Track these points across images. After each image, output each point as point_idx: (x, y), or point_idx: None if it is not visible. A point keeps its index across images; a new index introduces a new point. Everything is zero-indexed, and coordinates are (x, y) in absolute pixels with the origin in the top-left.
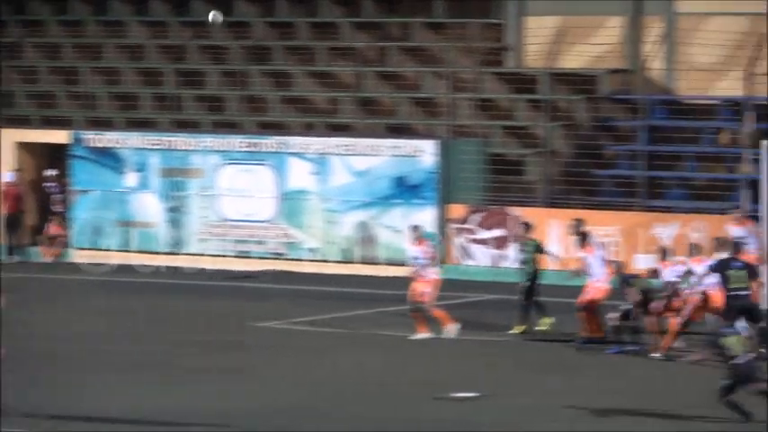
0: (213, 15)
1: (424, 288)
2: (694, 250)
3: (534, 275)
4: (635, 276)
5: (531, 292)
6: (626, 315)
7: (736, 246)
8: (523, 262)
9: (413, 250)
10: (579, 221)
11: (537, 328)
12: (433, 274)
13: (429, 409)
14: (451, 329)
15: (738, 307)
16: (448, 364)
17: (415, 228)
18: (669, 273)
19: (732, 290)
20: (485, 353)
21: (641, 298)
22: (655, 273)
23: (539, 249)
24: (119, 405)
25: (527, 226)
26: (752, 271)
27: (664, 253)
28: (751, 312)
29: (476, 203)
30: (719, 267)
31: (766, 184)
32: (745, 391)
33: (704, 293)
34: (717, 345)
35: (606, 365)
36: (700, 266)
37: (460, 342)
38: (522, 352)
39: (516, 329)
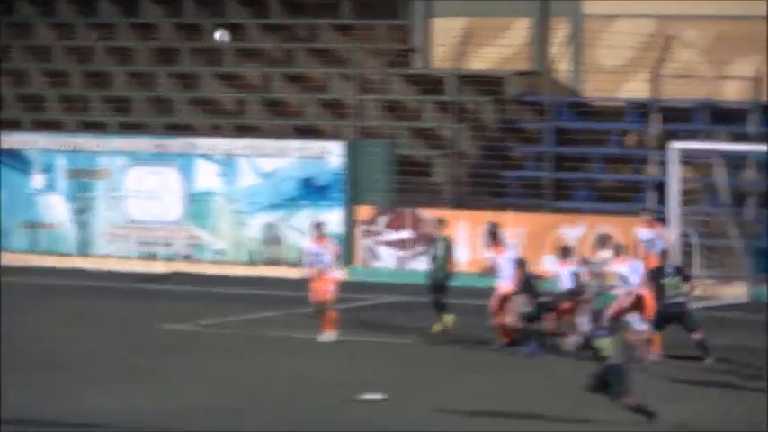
0: (220, 34)
1: (329, 287)
2: (618, 250)
3: (445, 273)
4: (537, 277)
5: (443, 289)
6: (528, 317)
7: (665, 253)
8: (434, 258)
9: (314, 248)
10: (494, 225)
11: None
12: (337, 273)
13: (338, 411)
14: (330, 336)
15: (671, 315)
16: (355, 366)
17: (318, 225)
18: (566, 273)
19: (669, 297)
20: (391, 354)
21: (536, 300)
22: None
23: (449, 247)
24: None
25: (440, 222)
26: (685, 275)
27: (564, 253)
28: (684, 320)
29: (383, 205)
30: (655, 276)
31: (672, 185)
32: (609, 395)
33: (638, 296)
34: (591, 346)
35: (515, 367)
36: (624, 266)
37: (368, 344)
38: (428, 353)
39: (437, 327)
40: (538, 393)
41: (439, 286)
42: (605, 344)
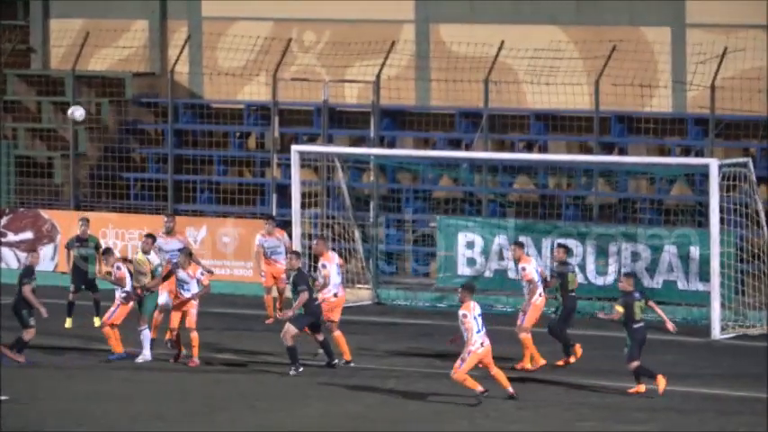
0: (74, 112)
1: None
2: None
3: (94, 272)
4: None
5: (94, 288)
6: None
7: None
8: (84, 258)
9: None
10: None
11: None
12: None
13: None
14: None
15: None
16: None
17: None
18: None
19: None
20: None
21: None
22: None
23: (98, 246)
24: None
25: (86, 221)
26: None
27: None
28: (316, 325)
29: (4, 206)
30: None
31: (294, 188)
32: None
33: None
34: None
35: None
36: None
37: None
38: (46, 355)
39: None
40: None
41: (91, 285)
42: None
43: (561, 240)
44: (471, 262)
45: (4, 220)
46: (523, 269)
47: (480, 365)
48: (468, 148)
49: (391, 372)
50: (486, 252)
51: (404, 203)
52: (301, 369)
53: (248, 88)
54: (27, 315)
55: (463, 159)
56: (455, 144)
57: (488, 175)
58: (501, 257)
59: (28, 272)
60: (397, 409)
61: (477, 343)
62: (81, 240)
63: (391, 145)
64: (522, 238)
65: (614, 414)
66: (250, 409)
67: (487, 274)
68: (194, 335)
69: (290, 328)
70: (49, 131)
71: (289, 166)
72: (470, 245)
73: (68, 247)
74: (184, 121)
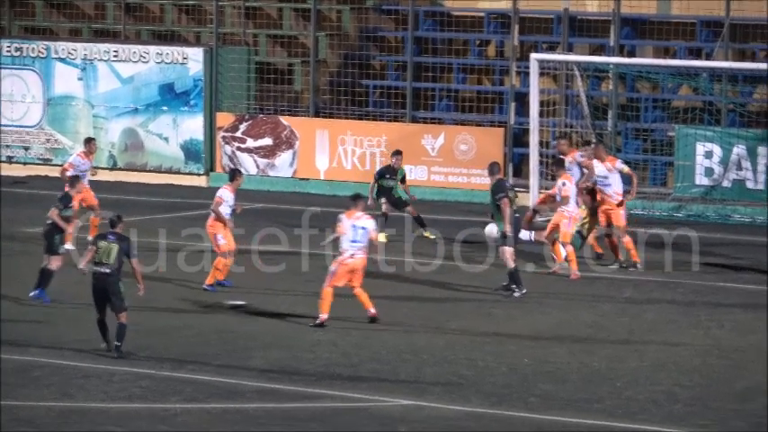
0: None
1: None
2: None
3: (400, 195)
4: None
5: (402, 204)
6: None
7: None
8: (390, 189)
9: None
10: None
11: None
12: None
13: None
14: None
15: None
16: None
17: None
18: None
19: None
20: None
21: None
22: None
23: (403, 178)
24: None
25: (400, 154)
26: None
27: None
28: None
29: (244, 112)
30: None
31: (532, 97)
32: None
33: None
34: None
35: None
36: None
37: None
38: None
39: (427, 234)
40: None
41: (400, 203)
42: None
43: None
44: (709, 172)
45: (244, 125)
46: None
47: (348, 282)
48: (708, 57)
49: (628, 281)
50: (724, 162)
51: (642, 112)
52: (525, 291)
53: None
54: (58, 241)
55: (703, 69)
56: (695, 53)
57: (728, 84)
58: (739, 167)
59: (65, 199)
60: (634, 318)
61: (348, 253)
62: (392, 172)
63: (631, 54)
64: (760, 149)
65: None
66: (486, 317)
67: (725, 183)
68: (627, 238)
69: (507, 250)
70: (290, 38)
71: (528, 74)
72: (709, 154)
73: (378, 177)
74: (425, 28)
